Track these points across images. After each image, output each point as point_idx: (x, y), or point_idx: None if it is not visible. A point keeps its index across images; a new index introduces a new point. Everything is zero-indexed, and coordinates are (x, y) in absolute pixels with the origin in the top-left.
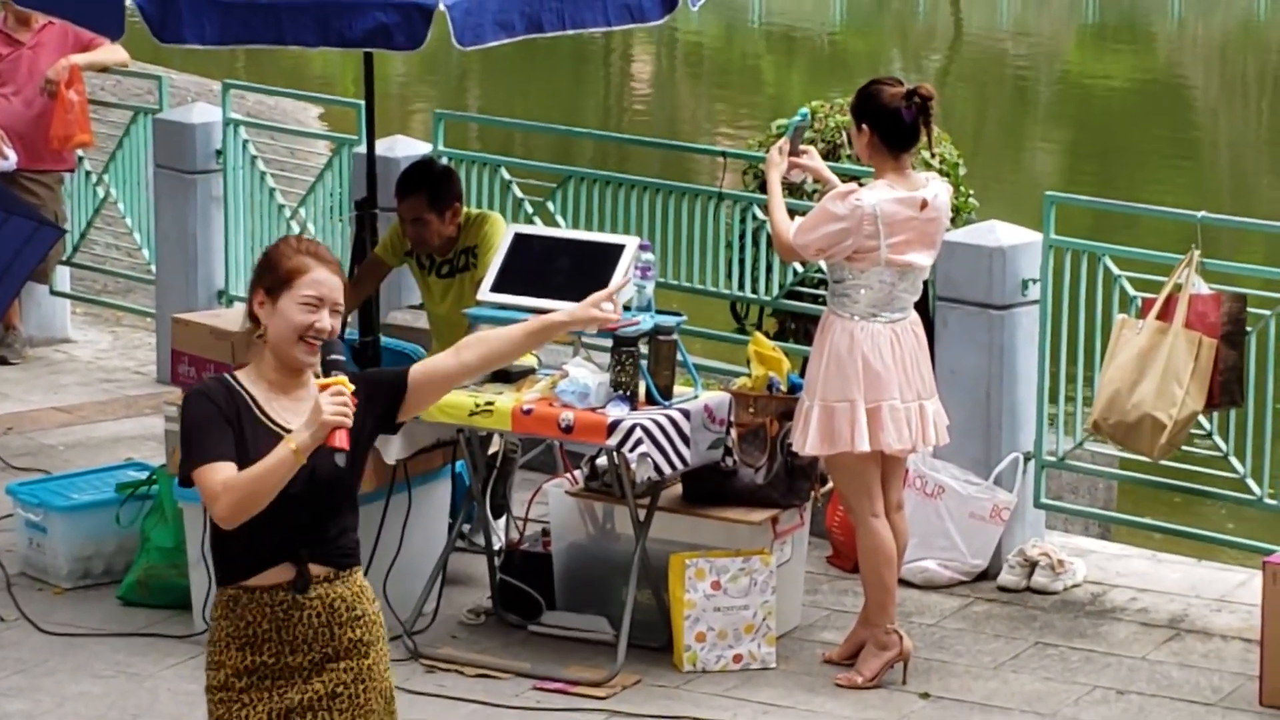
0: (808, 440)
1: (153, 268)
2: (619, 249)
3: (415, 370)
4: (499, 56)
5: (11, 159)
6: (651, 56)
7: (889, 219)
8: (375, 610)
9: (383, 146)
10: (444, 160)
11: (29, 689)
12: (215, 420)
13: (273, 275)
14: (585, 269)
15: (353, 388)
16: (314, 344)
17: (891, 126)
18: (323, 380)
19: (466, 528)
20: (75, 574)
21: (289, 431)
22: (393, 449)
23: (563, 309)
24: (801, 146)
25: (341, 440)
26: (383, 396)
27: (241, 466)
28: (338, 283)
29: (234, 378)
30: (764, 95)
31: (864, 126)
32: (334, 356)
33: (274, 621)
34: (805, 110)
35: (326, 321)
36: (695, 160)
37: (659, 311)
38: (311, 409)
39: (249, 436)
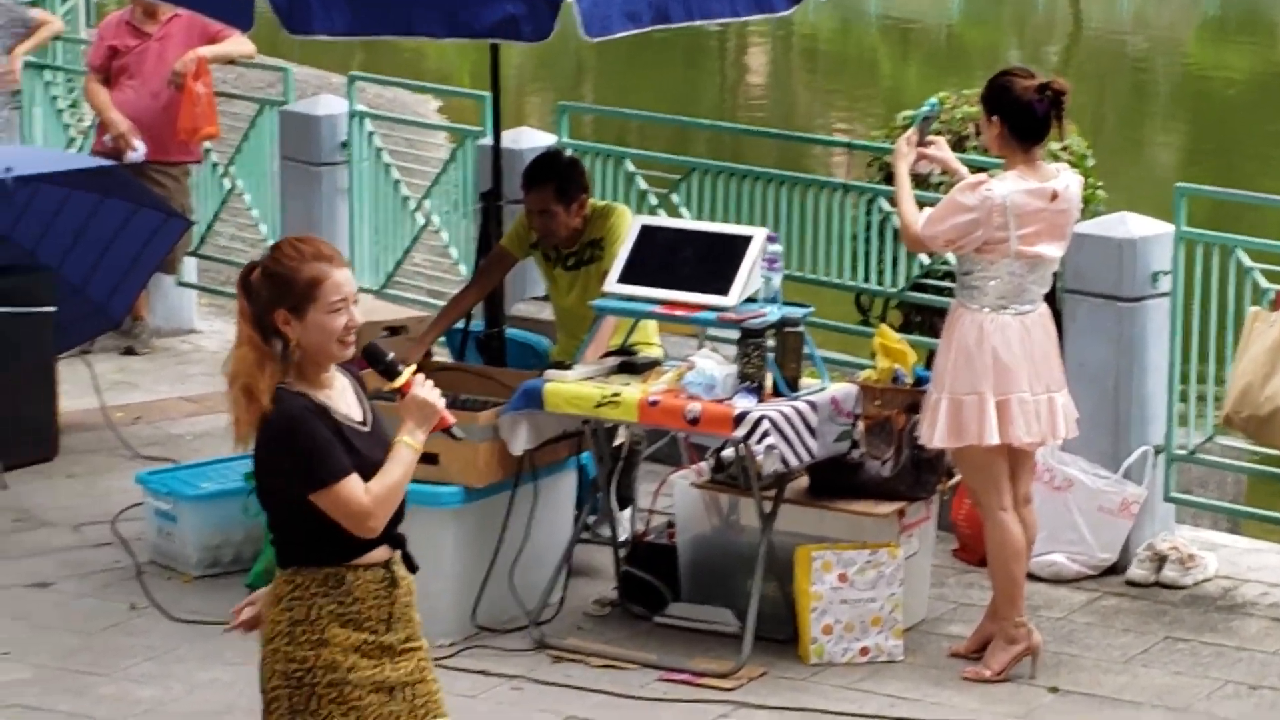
0: (935, 433)
1: None
2: (746, 240)
3: None
4: (614, 49)
5: (140, 151)
6: (766, 50)
7: (1019, 210)
8: None
9: (507, 138)
10: (569, 152)
11: (160, 676)
12: (329, 436)
13: (294, 294)
14: (712, 260)
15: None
16: (351, 341)
17: (1023, 119)
18: (400, 381)
19: (592, 519)
20: (204, 562)
21: (356, 423)
22: (519, 440)
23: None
24: (930, 137)
25: (450, 418)
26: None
27: (347, 466)
28: (351, 274)
29: (298, 391)
30: (880, 89)
31: (995, 118)
32: (390, 358)
33: (377, 599)
34: (934, 101)
35: (357, 316)
36: (811, 154)
37: (786, 303)
38: (413, 406)
39: (351, 439)
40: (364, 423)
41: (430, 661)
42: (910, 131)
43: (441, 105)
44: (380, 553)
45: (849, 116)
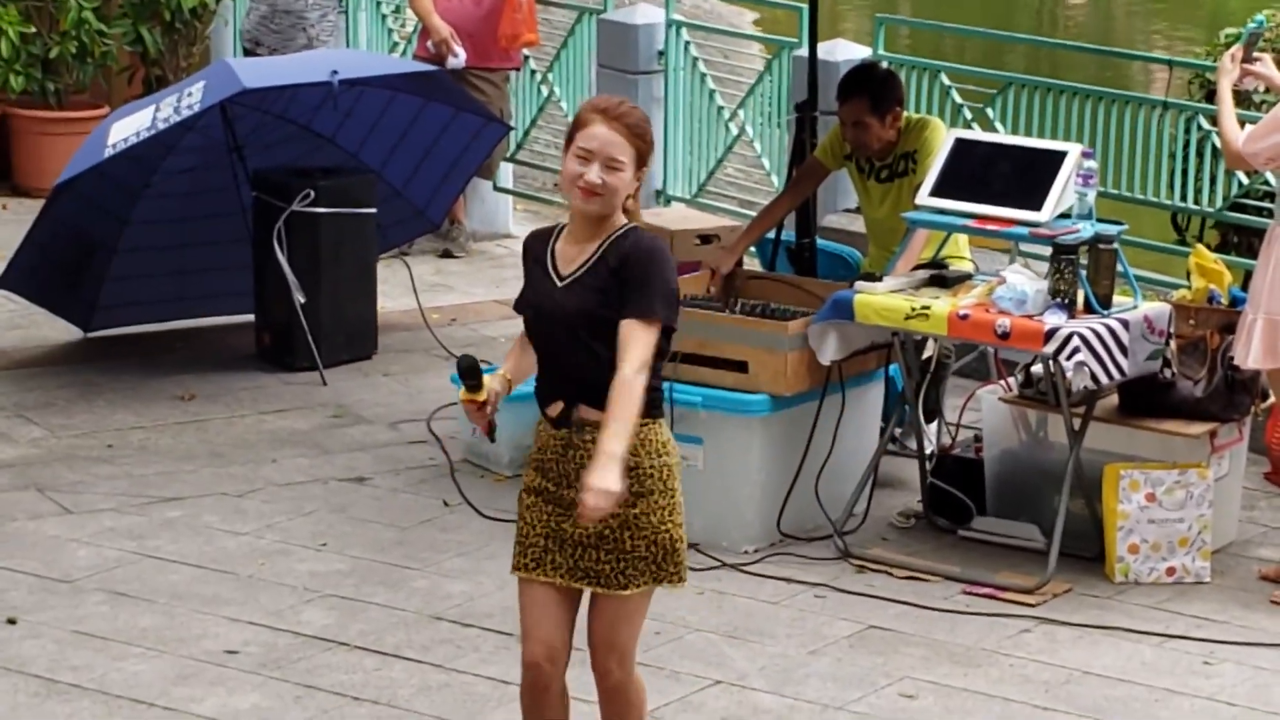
0: (1250, 354)
1: None
2: (1060, 156)
3: (622, 326)
4: None
5: (461, 57)
6: None
7: None
8: (657, 465)
9: (823, 50)
10: (884, 65)
11: (471, 572)
12: (524, 269)
13: (570, 128)
14: (1026, 175)
15: (481, 395)
16: (587, 193)
17: None
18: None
19: (898, 431)
20: (516, 462)
21: (560, 277)
22: (828, 350)
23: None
24: (1255, 54)
25: (482, 426)
26: (617, 296)
27: (526, 309)
28: (617, 139)
29: (562, 226)
30: (1201, 10)
31: None
32: (465, 371)
33: (555, 453)
34: (1260, 17)
35: (595, 175)
36: (1128, 72)
37: (1099, 220)
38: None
39: (533, 277)
40: (564, 278)
41: (633, 521)
42: (1236, 47)
43: (758, 18)
44: (556, 407)
45: (1168, 35)
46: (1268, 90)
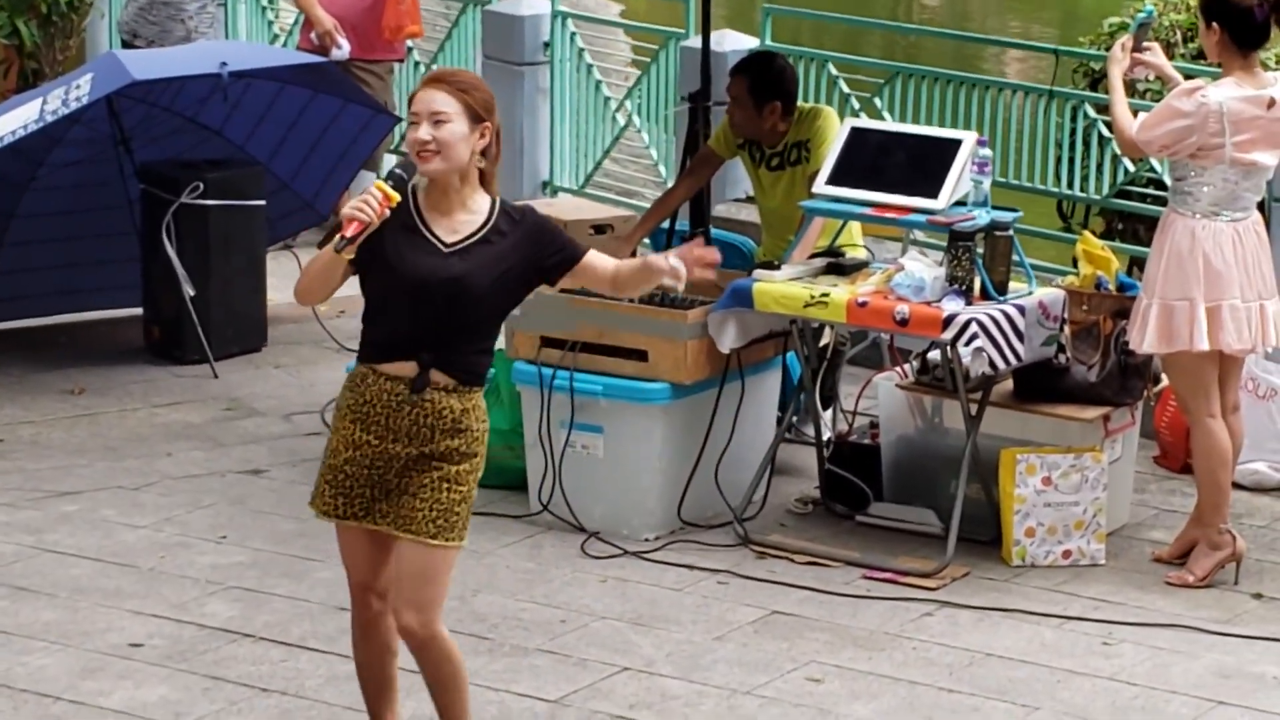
0: (1145, 338)
1: None
2: (956, 144)
3: (589, 257)
4: None
5: (345, 48)
6: None
7: (1235, 117)
8: (479, 430)
9: (711, 40)
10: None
11: None
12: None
13: None
14: (922, 164)
15: (396, 197)
16: (422, 154)
17: (1242, 25)
18: (377, 184)
19: (795, 418)
20: None
21: (444, 244)
22: (727, 338)
23: (661, 259)
24: (1145, 43)
25: (351, 231)
26: (549, 252)
27: (381, 267)
28: (438, 95)
29: (417, 192)
30: (1059, 2)
31: (1214, 24)
32: (399, 171)
33: (386, 408)
34: (1150, 7)
35: (424, 133)
36: (981, 59)
37: (995, 207)
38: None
39: (401, 240)
40: (450, 245)
41: (454, 475)
42: (1126, 37)
43: (624, 10)
44: (403, 366)
45: (1025, 26)
46: (1155, 78)
